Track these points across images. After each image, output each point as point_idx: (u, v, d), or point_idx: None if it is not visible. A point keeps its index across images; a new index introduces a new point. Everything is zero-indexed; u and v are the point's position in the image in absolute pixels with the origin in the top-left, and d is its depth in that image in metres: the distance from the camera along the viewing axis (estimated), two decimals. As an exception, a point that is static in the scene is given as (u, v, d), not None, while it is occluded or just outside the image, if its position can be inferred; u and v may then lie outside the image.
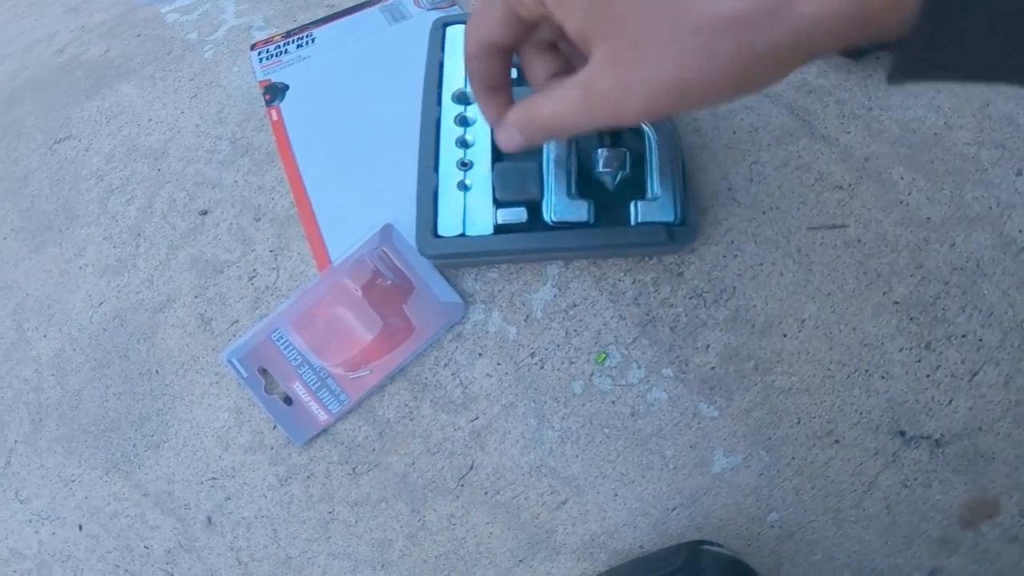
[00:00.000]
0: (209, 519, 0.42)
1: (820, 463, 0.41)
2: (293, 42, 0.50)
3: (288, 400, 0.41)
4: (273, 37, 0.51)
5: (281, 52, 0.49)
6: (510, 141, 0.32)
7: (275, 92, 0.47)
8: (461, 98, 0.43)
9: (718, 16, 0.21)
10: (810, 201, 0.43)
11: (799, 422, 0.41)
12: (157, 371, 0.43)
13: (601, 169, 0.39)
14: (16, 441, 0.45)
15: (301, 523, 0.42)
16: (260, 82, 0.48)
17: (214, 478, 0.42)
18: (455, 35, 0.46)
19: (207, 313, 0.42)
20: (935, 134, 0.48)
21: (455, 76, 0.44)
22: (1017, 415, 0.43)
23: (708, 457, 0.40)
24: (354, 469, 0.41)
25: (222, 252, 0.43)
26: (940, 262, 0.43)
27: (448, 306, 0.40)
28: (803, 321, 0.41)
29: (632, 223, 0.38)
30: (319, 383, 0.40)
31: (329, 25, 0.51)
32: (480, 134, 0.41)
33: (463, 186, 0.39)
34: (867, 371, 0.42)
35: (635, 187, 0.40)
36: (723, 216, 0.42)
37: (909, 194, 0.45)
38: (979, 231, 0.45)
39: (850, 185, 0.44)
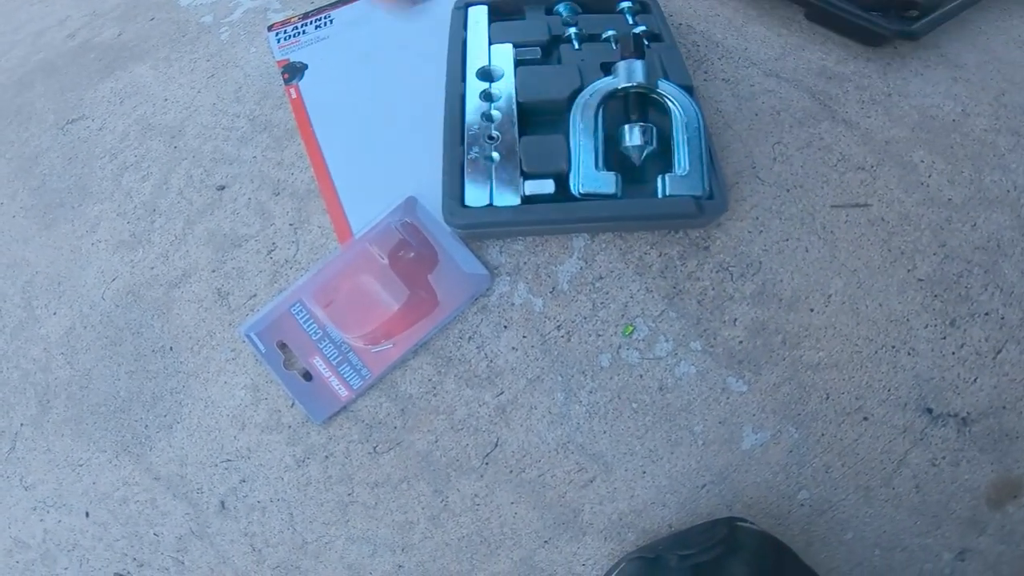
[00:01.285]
0: (223, 503, 0.42)
1: (850, 440, 0.41)
2: (312, 23, 0.51)
3: (308, 376, 0.40)
4: (290, 19, 0.52)
5: (299, 33, 0.50)
6: None
7: (294, 71, 0.48)
8: (485, 75, 0.43)
9: None
10: (833, 181, 0.44)
11: (828, 398, 0.42)
12: (171, 348, 0.42)
13: (628, 143, 0.40)
14: (22, 424, 0.44)
15: (319, 506, 0.41)
16: (279, 62, 0.49)
17: (228, 460, 0.42)
18: (477, 15, 0.47)
19: (224, 287, 0.42)
20: (953, 120, 0.50)
21: (479, 54, 0.45)
22: (1041, 396, 0.44)
23: (737, 433, 0.40)
24: (375, 448, 0.41)
25: (240, 226, 0.43)
26: (962, 241, 0.44)
27: (474, 277, 0.40)
28: (829, 296, 0.42)
29: (660, 196, 0.39)
30: (340, 357, 0.40)
31: (348, 6, 0.52)
32: (506, 109, 0.42)
33: (490, 159, 0.40)
34: (894, 347, 0.42)
35: (662, 162, 0.40)
36: (748, 193, 0.43)
37: (930, 176, 0.46)
38: (999, 213, 0.46)
39: (872, 167, 0.45)
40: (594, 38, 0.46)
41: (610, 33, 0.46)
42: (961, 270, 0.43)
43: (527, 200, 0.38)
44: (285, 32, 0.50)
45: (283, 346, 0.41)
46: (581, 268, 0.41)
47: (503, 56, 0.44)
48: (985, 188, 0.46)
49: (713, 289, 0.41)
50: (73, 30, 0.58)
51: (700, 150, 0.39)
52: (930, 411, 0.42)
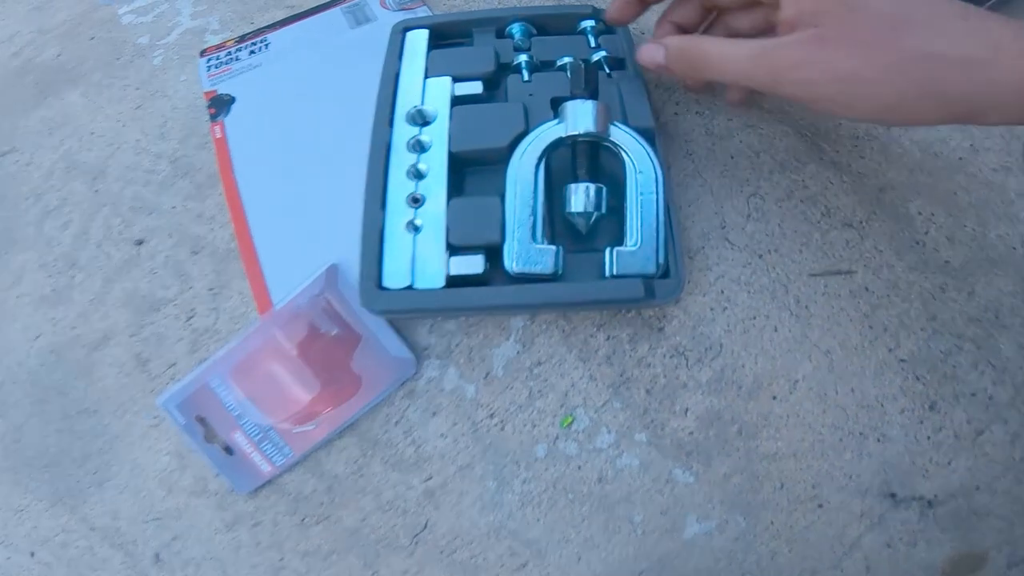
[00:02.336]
0: (157, 556, 0.34)
1: (800, 527, 0.31)
2: (246, 48, 0.37)
3: (229, 450, 0.31)
4: (226, 43, 0.38)
5: (232, 59, 0.37)
6: (652, 57, 0.28)
7: (221, 105, 0.35)
8: (417, 118, 0.31)
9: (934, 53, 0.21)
10: (815, 242, 0.31)
11: (782, 487, 0.31)
12: (96, 411, 0.33)
13: (572, 210, 0.27)
14: None
15: (251, 567, 0.33)
16: (206, 93, 0.36)
17: (159, 518, 0.33)
18: (416, 41, 0.34)
19: (144, 354, 0.33)
20: (959, 158, 0.36)
21: (412, 91, 0.31)
22: (1020, 472, 0.33)
23: (680, 522, 0.31)
24: (303, 520, 0.32)
25: (158, 288, 0.33)
26: (956, 313, 0.32)
27: (399, 361, 0.30)
28: (796, 382, 0.30)
29: (607, 274, 0.27)
30: (261, 435, 0.31)
31: (286, 28, 0.38)
32: (436, 163, 0.29)
33: (413, 227, 0.28)
34: (862, 434, 0.31)
35: (612, 231, 0.29)
36: (714, 260, 0.31)
37: (927, 232, 0.33)
38: (1001, 276, 0.33)
39: (861, 222, 0.32)
40: (548, 66, 0.32)
41: (565, 60, 0.32)
42: (950, 347, 0.31)
43: (453, 281, 0.27)
44: (217, 58, 0.37)
45: (202, 420, 0.31)
46: (518, 352, 0.30)
47: (439, 93, 0.31)
48: (988, 246, 0.33)
49: (665, 376, 0.29)
50: (19, 47, 0.45)
51: (655, 216, 0.27)
52: (893, 495, 0.32)
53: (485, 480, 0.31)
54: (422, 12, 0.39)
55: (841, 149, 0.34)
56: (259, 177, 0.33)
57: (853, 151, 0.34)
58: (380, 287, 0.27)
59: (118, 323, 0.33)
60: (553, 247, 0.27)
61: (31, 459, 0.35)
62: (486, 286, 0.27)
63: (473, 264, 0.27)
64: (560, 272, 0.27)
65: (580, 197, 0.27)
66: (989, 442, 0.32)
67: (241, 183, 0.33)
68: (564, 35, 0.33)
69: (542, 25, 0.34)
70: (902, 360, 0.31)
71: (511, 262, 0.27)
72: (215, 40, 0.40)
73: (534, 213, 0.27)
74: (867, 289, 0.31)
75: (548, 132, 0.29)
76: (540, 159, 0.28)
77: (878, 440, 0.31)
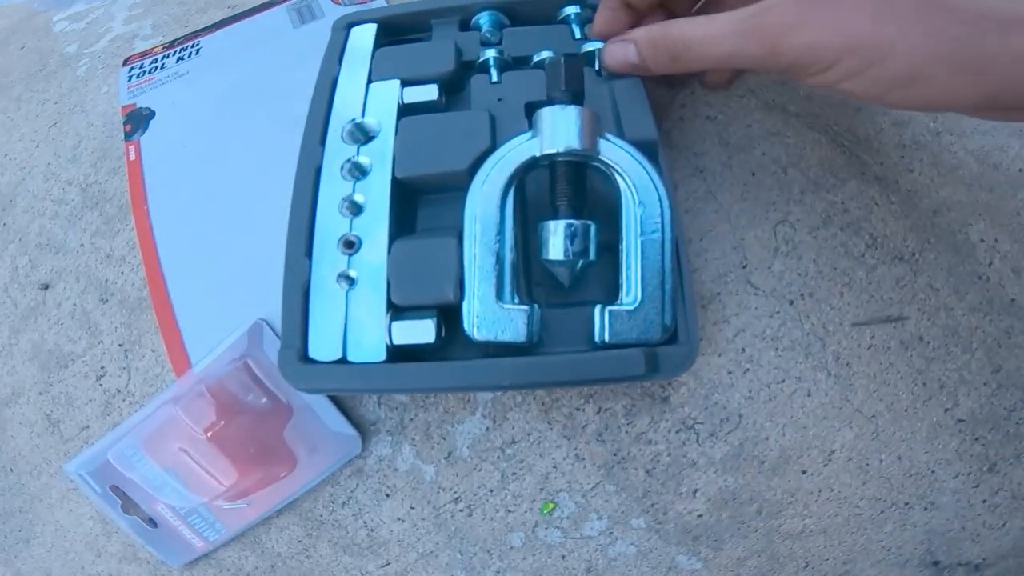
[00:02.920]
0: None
1: (830, 614, 0.24)
2: (174, 54, 0.28)
3: (153, 522, 0.24)
4: (153, 49, 0.29)
5: (157, 68, 0.28)
6: (623, 57, 0.20)
7: (138, 120, 0.27)
8: (356, 134, 0.22)
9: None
10: (858, 282, 0.23)
11: (807, 566, 0.23)
12: (12, 469, 0.26)
13: (551, 256, 0.19)
14: None
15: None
16: (123, 108, 0.27)
17: (94, 587, 0.27)
18: (360, 38, 0.24)
19: (54, 414, 0.25)
20: (1020, 170, 0.26)
21: (351, 100, 0.22)
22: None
23: (687, 615, 0.23)
24: (248, 605, 0.25)
25: (65, 341, 0.25)
26: (1022, 362, 0.23)
27: (340, 437, 0.22)
28: (831, 453, 0.22)
29: (597, 340, 0.18)
30: (187, 509, 0.23)
31: (222, 31, 0.29)
32: (376, 192, 0.20)
33: (346, 279, 0.19)
34: (907, 504, 0.23)
35: (604, 278, 0.20)
36: (732, 311, 0.22)
37: (990, 264, 0.24)
38: (1081, 314, 0.24)
39: (913, 255, 0.23)
40: (522, 63, 0.23)
41: (544, 55, 0.23)
42: (1015, 402, 0.23)
43: (396, 353, 0.18)
44: (141, 67, 0.28)
45: (119, 489, 0.23)
46: (487, 429, 0.21)
47: (384, 101, 0.22)
48: (1066, 277, 0.24)
49: (669, 454, 0.21)
50: (-52, 56, 0.36)
51: (660, 264, 0.18)
52: (936, 563, 0.24)
53: (452, 569, 0.23)
54: (377, 4, 0.30)
55: (886, 161, 0.25)
56: (176, 210, 0.24)
57: (900, 163, 0.25)
58: (305, 358, 0.19)
59: (25, 379, 0.25)
60: (525, 308, 0.18)
61: (-46, 521, 0.28)
62: (439, 361, 0.18)
63: (422, 331, 0.18)
64: (535, 339, 0.18)
65: (560, 240, 0.18)
66: (1054, 507, 0.23)
67: (154, 217, 0.24)
68: (542, 25, 0.24)
69: (515, 14, 0.24)
70: (960, 420, 0.23)
71: (471, 327, 0.18)
72: (145, 46, 0.31)
73: (500, 262, 0.18)
74: (921, 339, 0.22)
75: (518, 150, 0.19)
76: (507, 187, 0.19)
77: (925, 509, 0.23)
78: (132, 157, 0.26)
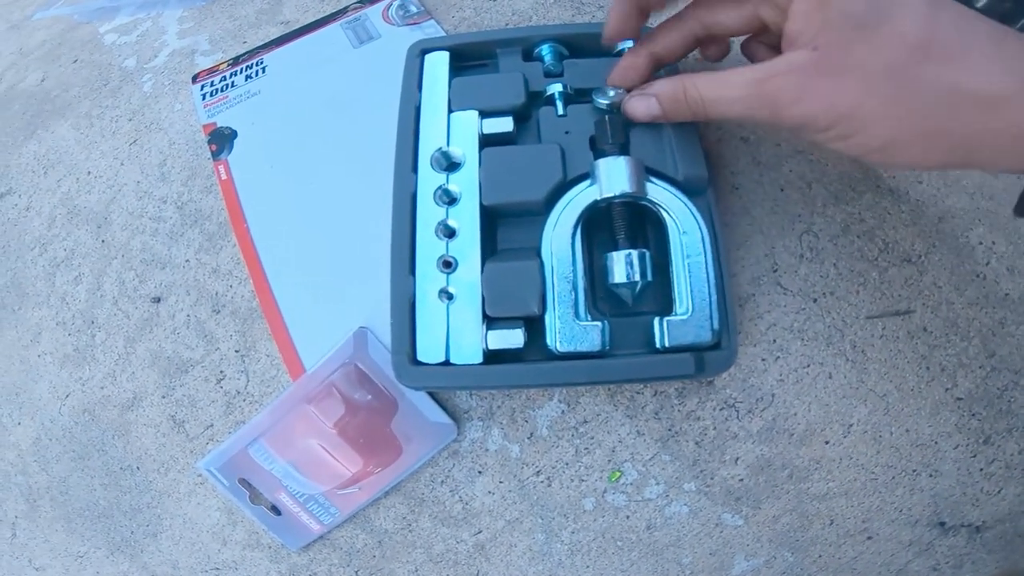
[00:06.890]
0: (219, 602, 0.34)
1: (848, 558, 0.30)
2: (241, 72, 0.32)
3: (276, 510, 0.30)
4: (219, 65, 0.33)
5: (228, 86, 0.32)
6: (646, 111, 0.24)
7: (222, 140, 0.31)
8: (443, 161, 0.26)
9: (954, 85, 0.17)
10: (872, 281, 0.28)
11: (831, 523, 0.30)
12: (138, 467, 0.32)
13: (616, 280, 0.24)
14: (16, 517, 0.35)
15: (312, 609, 0.33)
16: (204, 127, 0.31)
17: (217, 569, 0.33)
18: (436, 66, 0.29)
19: (178, 415, 0.30)
20: (1019, 177, 0.32)
21: (436, 129, 0.27)
22: (1060, 493, 0.32)
23: (728, 561, 0.30)
24: (356, 573, 0.31)
25: (183, 349, 0.30)
26: (1014, 348, 0.29)
27: (438, 427, 0.27)
28: (850, 426, 0.28)
29: (657, 346, 0.24)
30: (306, 496, 0.29)
31: (283, 48, 0.32)
32: (467, 218, 0.25)
33: (446, 294, 0.25)
34: (914, 471, 0.29)
35: (660, 293, 0.25)
36: (765, 308, 0.27)
37: (987, 263, 0.29)
38: (1062, 305, 0.30)
39: (920, 257, 0.29)
40: (583, 94, 0.27)
41: (611, 95, 0.26)
42: (1007, 383, 0.29)
43: (491, 356, 0.24)
44: (212, 84, 0.32)
45: (246, 482, 0.29)
46: (562, 412, 0.27)
47: (466, 131, 0.27)
48: (1050, 272, 0.30)
49: (715, 428, 0.27)
50: (0, 71, 0.39)
51: (705, 280, 0.24)
52: (942, 524, 0.31)
53: (534, 533, 0.29)
54: (430, 27, 0.33)
55: (898, 174, 0.30)
56: (273, 226, 0.29)
57: (910, 175, 0.30)
58: (415, 361, 0.24)
59: (147, 385, 0.31)
60: (599, 324, 0.23)
61: (81, 510, 0.34)
62: (527, 362, 0.24)
63: (512, 338, 0.23)
64: (607, 348, 0.23)
65: (622, 267, 0.23)
66: (1034, 469, 0.30)
67: (255, 234, 0.29)
68: (600, 57, 0.28)
69: (574, 45, 0.29)
70: (959, 399, 0.29)
71: (554, 341, 0.23)
72: (206, 62, 0.34)
73: (575, 288, 0.23)
74: (925, 329, 0.28)
75: (582, 196, 0.24)
76: (576, 226, 0.24)
77: (930, 475, 0.29)
78: (224, 177, 0.30)
